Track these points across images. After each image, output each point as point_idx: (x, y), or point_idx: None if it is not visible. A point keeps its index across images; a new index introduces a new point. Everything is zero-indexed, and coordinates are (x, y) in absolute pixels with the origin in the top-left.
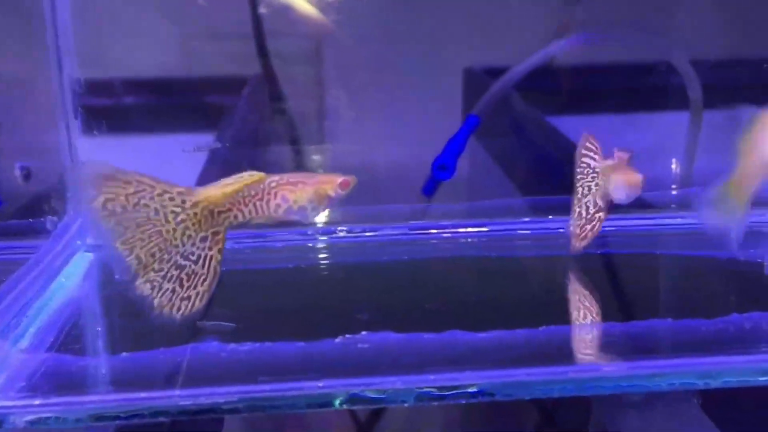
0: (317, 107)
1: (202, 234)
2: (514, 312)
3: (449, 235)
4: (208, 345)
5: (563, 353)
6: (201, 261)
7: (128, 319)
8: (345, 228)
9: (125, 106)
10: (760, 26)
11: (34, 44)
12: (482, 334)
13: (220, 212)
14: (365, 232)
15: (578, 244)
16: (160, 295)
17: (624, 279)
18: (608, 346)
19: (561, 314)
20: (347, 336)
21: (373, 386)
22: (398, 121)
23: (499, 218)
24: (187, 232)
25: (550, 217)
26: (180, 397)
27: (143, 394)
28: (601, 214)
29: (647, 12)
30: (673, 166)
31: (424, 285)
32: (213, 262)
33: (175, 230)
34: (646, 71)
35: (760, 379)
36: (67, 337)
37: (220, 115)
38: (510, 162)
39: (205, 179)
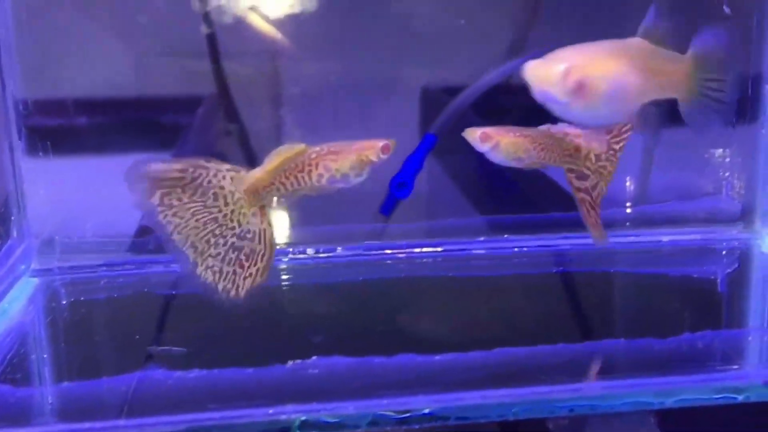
0: (274, 126)
1: (253, 210)
2: (469, 333)
3: (404, 255)
4: (155, 372)
5: (518, 375)
6: (257, 237)
7: (73, 346)
8: (300, 249)
9: (74, 126)
10: None
11: None
12: (436, 357)
13: (264, 187)
14: (320, 252)
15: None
16: (222, 279)
17: (579, 298)
18: (563, 366)
19: (516, 335)
20: (298, 361)
21: (324, 412)
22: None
23: (456, 237)
24: (242, 210)
25: (506, 236)
26: (126, 427)
27: (87, 425)
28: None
29: (601, 30)
30: (627, 184)
31: (378, 306)
32: (268, 235)
33: (232, 212)
34: None
35: (714, 397)
36: (9, 366)
37: (174, 134)
38: (467, 180)
39: None
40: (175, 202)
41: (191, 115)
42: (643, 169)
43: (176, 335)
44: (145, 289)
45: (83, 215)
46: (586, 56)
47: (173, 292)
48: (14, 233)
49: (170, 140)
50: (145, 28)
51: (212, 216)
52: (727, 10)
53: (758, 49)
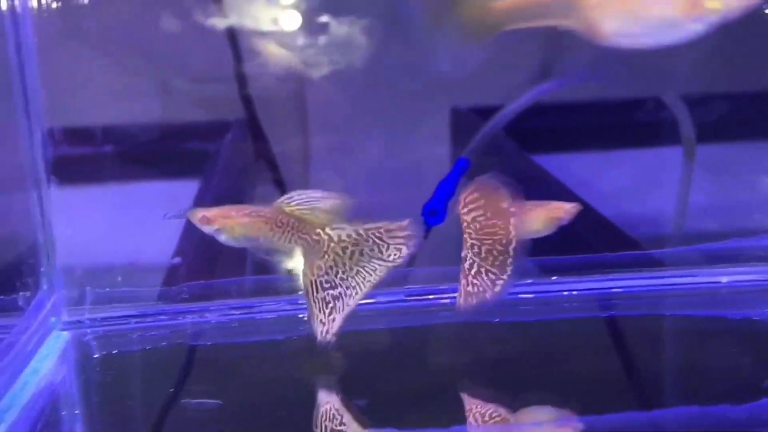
0: (302, 151)
1: None
2: (517, 398)
3: (448, 300)
4: None
5: None
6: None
7: (107, 405)
8: None
9: (100, 154)
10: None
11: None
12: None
13: None
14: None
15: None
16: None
17: (634, 349)
18: None
19: (572, 399)
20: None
21: None
22: (386, 164)
23: None
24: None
25: (554, 278)
26: None
27: None
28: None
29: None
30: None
31: (422, 359)
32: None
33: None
34: (636, 107)
35: None
36: (44, 429)
37: (202, 160)
38: None
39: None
40: None
41: (219, 141)
42: (682, 188)
43: (213, 387)
44: (179, 341)
45: (114, 258)
46: None
47: (207, 343)
48: (44, 284)
49: (198, 165)
50: (170, 55)
51: None
52: None
53: None
